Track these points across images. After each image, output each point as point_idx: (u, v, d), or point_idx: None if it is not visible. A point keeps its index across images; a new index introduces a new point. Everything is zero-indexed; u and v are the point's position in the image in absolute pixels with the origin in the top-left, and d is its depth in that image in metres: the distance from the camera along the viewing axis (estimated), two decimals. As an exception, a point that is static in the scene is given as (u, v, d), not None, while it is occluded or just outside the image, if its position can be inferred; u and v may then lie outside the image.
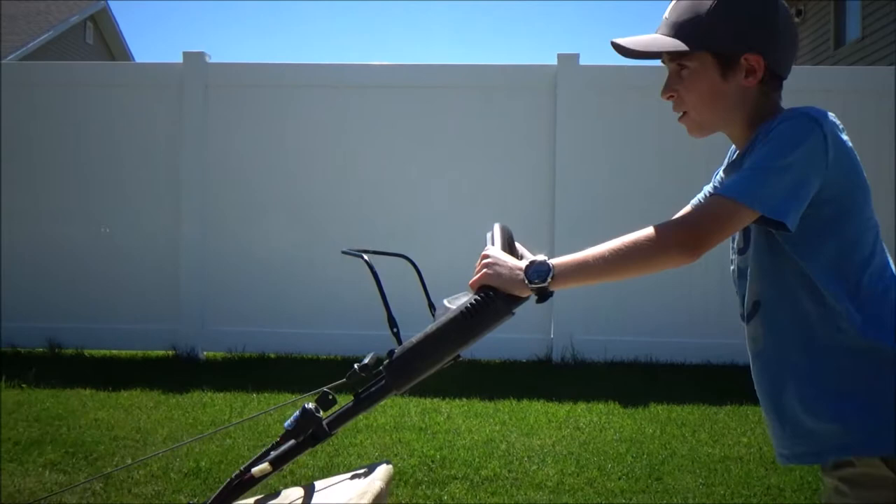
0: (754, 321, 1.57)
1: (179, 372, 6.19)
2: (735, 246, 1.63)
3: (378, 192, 6.71)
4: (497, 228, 1.63)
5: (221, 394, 5.41)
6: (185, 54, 6.70)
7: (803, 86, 6.12)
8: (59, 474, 3.93)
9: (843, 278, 1.47)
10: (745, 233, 1.58)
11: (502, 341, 6.61)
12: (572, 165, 6.55)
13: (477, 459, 4.20)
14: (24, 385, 5.54)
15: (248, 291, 6.67)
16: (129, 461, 4.25)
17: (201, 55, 6.71)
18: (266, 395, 5.42)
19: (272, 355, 6.64)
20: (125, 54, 26.66)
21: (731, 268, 1.65)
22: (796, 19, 15.88)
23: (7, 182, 6.79)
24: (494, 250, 1.54)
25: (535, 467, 4.11)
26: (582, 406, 5.24)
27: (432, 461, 4.18)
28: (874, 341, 1.45)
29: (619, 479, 3.96)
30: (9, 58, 20.48)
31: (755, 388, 1.63)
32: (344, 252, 1.64)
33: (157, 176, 6.75)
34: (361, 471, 1.59)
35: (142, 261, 6.73)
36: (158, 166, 6.75)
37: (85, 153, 6.78)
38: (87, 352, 6.74)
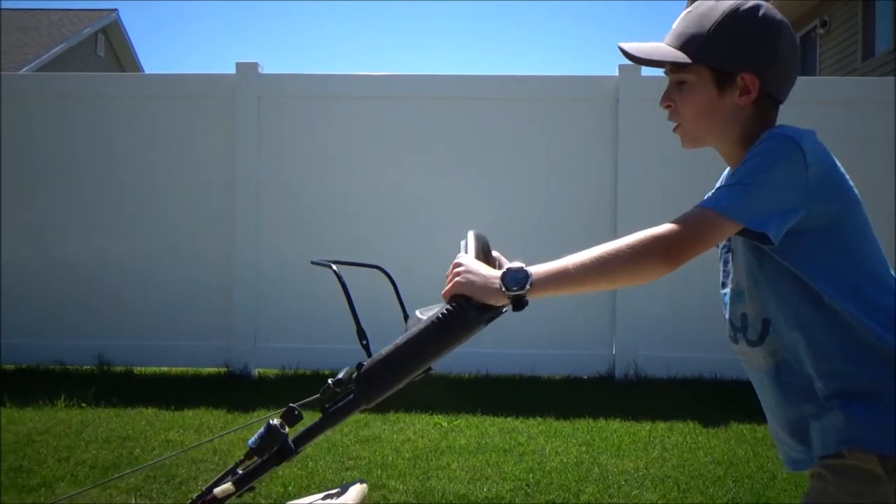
0: (769, 339, 1.56)
1: (235, 390, 6.04)
2: (725, 271, 1.65)
3: (431, 204, 6.58)
4: (471, 236, 1.57)
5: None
6: (238, 65, 6.58)
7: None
8: (145, 500, 3.77)
9: (846, 286, 1.48)
10: (732, 255, 1.61)
11: (563, 357, 6.50)
12: (634, 178, 6.42)
13: (573, 483, 4.05)
14: (83, 404, 5.38)
15: (301, 306, 6.51)
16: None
17: (254, 66, 6.59)
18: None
19: (327, 372, 6.47)
20: (135, 66, 26.64)
21: (723, 291, 1.65)
22: (821, 30, 15.84)
23: (56, 197, 6.66)
24: (467, 258, 1.49)
25: (635, 492, 3.96)
26: (661, 425, 5.08)
27: (527, 485, 4.03)
28: (880, 341, 1.46)
29: (728, 504, 3.81)
30: (23, 69, 20.41)
31: (766, 402, 1.62)
32: (314, 262, 1.59)
33: (210, 189, 6.62)
34: (335, 490, 1.55)
35: (193, 276, 6.58)
36: (211, 179, 6.62)
37: (136, 166, 6.65)
38: (136, 369, 6.58)
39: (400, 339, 1.42)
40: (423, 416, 5.22)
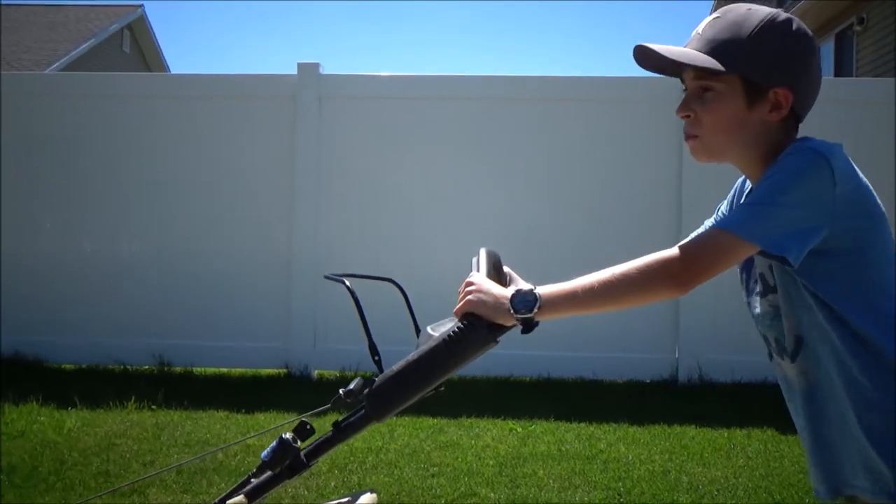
0: (801, 356, 1.50)
1: (297, 392, 6.02)
2: (757, 289, 1.57)
3: (493, 204, 6.54)
4: (483, 253, 1.57)
5: (360, 417, 5.21)
6: (300, 65, 6.55)
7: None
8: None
9: (868, 307, 1.42)
10: (771, 271, 1.52)
11: (625, 361, 6.45)
12: (699, 179, 6.35)
13: (664, 493, 4.01)
14: (153, 406, 5.37)
15: (378, 316, 6.47)
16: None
17: (315, 66, 6.57)
18: (393, 418, 5.22)
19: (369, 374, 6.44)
20: (160, 64, 26.70)
21: (758, 311, 1.57)
22: (858, 28, 15.67)
23: (118, 198, 6.66)
24: (479, 277, 1.48)
25: (730, 502, 3.91)
26: (738, 432, 5.03)
27: (618, 494, 3.99)
28: None
29: (829, 516, 3.74)
30: (53, 66, 20.46)
31: (800, 421, 1.55)
32: (327, 277, 1.59)
33: (271, 189, 6.60)
34: (345, 499, 1.55)
35: (253, 278, 6.57)
36: (271, 181, 6.60)
37: (196, 167, 6.64)
38: (195, 369, 6.57)
39: (412, 356, 1.43)
40: (496, 421, 5.19)
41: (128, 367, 6.54)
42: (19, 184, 6.73)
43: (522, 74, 7.28)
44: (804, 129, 1.55)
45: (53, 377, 6.29)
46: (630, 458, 4.52)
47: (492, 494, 3.96)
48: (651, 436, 4.94)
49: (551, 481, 4.14)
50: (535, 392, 6.12)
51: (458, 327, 1.42)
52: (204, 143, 6.64)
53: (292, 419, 1.52)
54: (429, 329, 1.49)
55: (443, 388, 1.48)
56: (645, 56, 1.52)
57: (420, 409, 5.27)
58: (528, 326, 1.42)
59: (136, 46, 26.38)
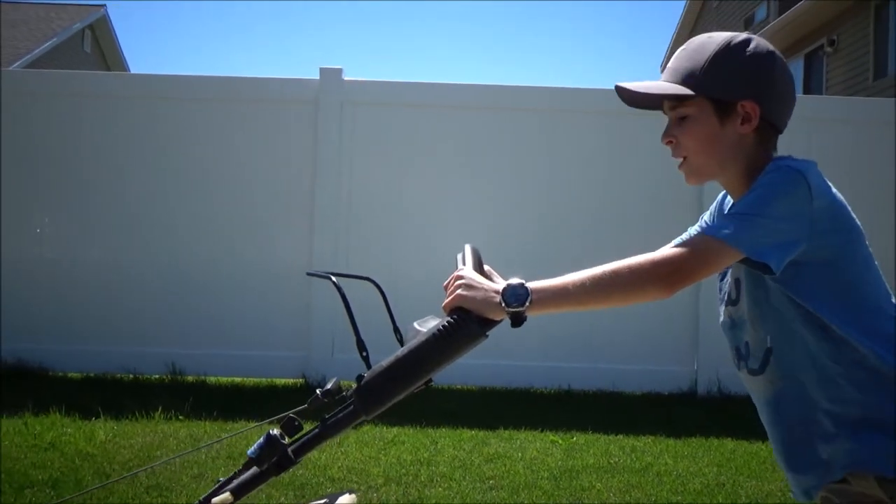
0: (769, 367, 1.57)
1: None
2: (725, 297, 1.67)
3: (516, 212, 6.52)
4: (468, 249, 1.59)
5: (395, 428, 5.13)
6: (323, 70, 6.46)
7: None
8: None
9: (849, 314, 1.50)
10: (737, 285, 1.61)
11: (644, 373, 6.47)
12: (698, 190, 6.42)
13: (726, 506, 4.01)
14: (181, 416, 5.20)
15: (381, 317, 6.37)
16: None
17: (338, 71, 6.47)
18: (418, 429, 5.13)
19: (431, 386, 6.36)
20: (121, 64, 26.22)
21: (721, 319, 1.68)
22: (828, 49, 16.09)
23: (129, 202, 6.47)
24: (468, 271, 1.50)
25: (793, 515, 3.92)
26: (775, 445, 5.06)
27: (680, 508, 3.98)
28: (885, 365, 1.48)
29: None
30: (15, 64, 19.91)
31: (769, 429, 1.63)
32: (310, 274, 1.63)
33: (290, 196, 6.48)
34: (322, 500, 1.53)
35: (272, 286, 6.42)
36: (291, 185, 6.48)
37: (213, 171, 6.49)
38: (209, 379, 6.40)
39: (400, 352, 1.42)
40: (534, 433, 5.15)
41: (139, 376, 6.33)
42: (26, 189, 6.49)
43: (545, 85, 7.27)
44: (784, 147, 1.62)
45: (62, 386, 6.06)
46: (680, 470, 4.51)
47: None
48: (692, 448, 4.95)
49: (611, 495, 4.11)
50: (559, 404, 6.09)
51: (448, 322, 1.42)
52: (221, 147, 6.49)
53: (276, 416, 1.51)
54: (415, 324, 1.48)
55: (431, 383, 1.47)
56: (626, 95, 1.62)
57: (457, 421, 5.23)
58: (518, 321, 1.42)
59: (96, 47, 25.89)
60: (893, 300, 1.58)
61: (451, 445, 4.83)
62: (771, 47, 1.61)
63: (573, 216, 6.53)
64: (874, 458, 1.48)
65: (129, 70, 26.58)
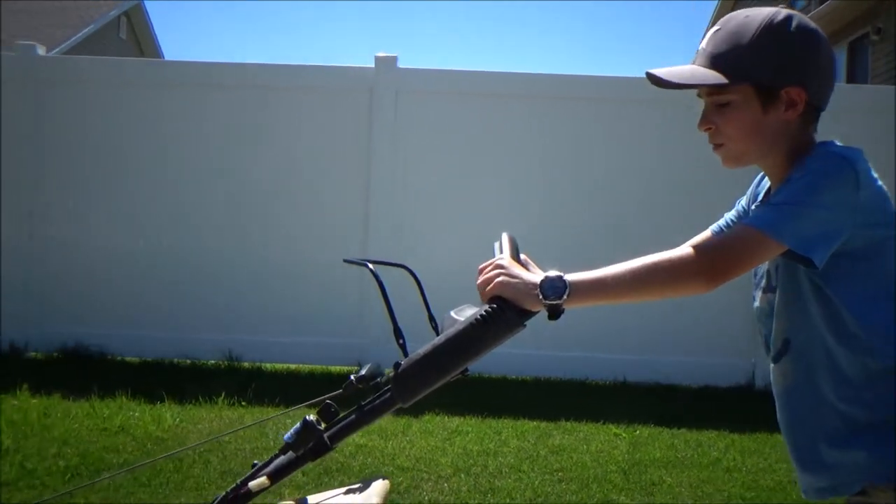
0: (785, 359, 1.54)
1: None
2: (762, 284, 1.60)
3: (572, 204, 6.48)
4: (505, 238, 1.56)
5: (458, 418, 5.12)
6: (378, 58, 6.44)
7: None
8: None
9: (876, 310, 1.45)
10: (777, 271, 1.55)
11: (701, 366, 6.41)
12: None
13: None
14: (243, 402, 5.24)
15: (437, 304, 6.38)
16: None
17: (393, 59, 6.45)
18: (480, 419, 5.12)
19: (486, 376, 6.36)
20: (155, 52, 26.38)
21: (757, 305, 1.62)
22: (874, 37, 15.80)
23: (186, 191, 6.50)
24: (507, 260, 1.47)
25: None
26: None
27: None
28: None
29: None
30: (55, 51, 20.08)
31: (780, 423, 1.61)
32: (346, 261, 1.62)
33: (345, 184, 6.48)
34: (356, 486, 1.52)
35: (328, 274, 6.43)
36: (346, 173, 6.48)
37: (269, 158, 6.50)
38: (265, 365, 6.44)
39: (438, 340, 1.40)
40: (596, 425, 5.12)
41: (196, 361, 6.39)
42: (81, 178, 6.55)
43: (601, 75, 7.19)
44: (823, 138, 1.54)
45: (123, 370, 6.14)
46: (749, 466, 4.47)
47: (629, 501, 3.89)
48: (758, 444, 4.90)
49: (683, 490, 4.08)
50: (616, 396, 6.06)
51: (487, 310, 1.40)
52: (277, 135, 6.50)
53: (312, 401, 1.52)
54: (452, 313, 1.46)
55: (467, 373, 1.44)
56: (657, 81, 1.53)
57: (518, 412, 5.22)
58: (556, 313, 1.40)
59: (132, 34, 26.08)
60: None
61: (514, 436, 4.82)
62: (813, 25, 1.52)
63: (628, 208, 6.47)
64: (889, 467, 1.43)
65: (164, 57, 26.77)
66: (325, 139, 6.49)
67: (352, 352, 6.41)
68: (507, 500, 3.83)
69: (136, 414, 4.88)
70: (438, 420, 5.06)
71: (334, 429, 1.42)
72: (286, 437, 1.39)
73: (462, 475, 4.13)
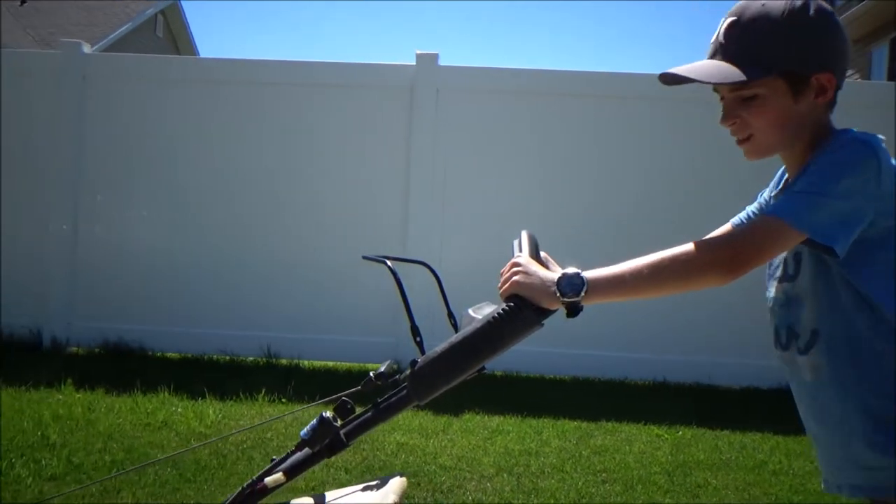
0: (814, 351, 1.49)
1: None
2: (777, 274, 1.57)
3: (610, 200, 6.42)
4: (524, 236, 1.55)
5: (497, 417, 5.10)
6: (419, 55, 6.43)
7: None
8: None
9: None
10: (797, 259, 1.52)
11: (742, 366, 6.32)
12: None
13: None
14: (283, 399, 5.26)
15: (476, 300, 6.36)
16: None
17: (434, 56, 6.44)
18: (520, 418, 5.09)
19: (498, 373, 6.34)
20: (191, 50, 26.60)
21: (772, 295, 1.58)
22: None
23: (226, 189, 6.54)
24: (525, 259, 1.47)
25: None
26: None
27: (803, 508, 3.87)
28: None
29: None
30: (92, 49, 20.34)
31: (807, 418, 1.58)
32: (365, 257, 1.61)
33: (385, 181, 6.48)
34: (374, 483, 1.53)
35: (366, 273, 6.41)
36: (385, 171, 6.48)
37: (309, 155, 6.53)
38: (303, 362, 6.46)
39: (455, 337, 1.40)
40: (637, 425, 5.07)
41: (235, 357, 6.43)
42: (121, 176, 6.62)
43: (643, 72, 7.09)
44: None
45: (164, 366, 6.19)
46: (796, 469, 4.39)
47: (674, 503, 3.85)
48: (804, 446, 4.81)
49: (729, 493, 4.02)
50: (656, 397, 6.00)
51: (504, 309, 1.39)
52: (316, 132, 6.52)
53: (327, 399, 1.52)
54: (470, 311, 1.46)
55: (484, 370, 1.44)
56: (675, 79, 1.50)
57: (558, 411, 5.18)
58: (574, 310, 1.39)
59: (168, 31, 26.33)
60: None
61: (555, 436, 4.79)
62: (829, 7, 1.49)
63: (676, 205, 6.38)
64: None
65: (199, 54, 27.00)
66: (366, 137, 6.49)
67: (387, 350, 6.39)
68: (552, 501, 3.80)
69: (179, 409, 4.91)
70: (479, 419, 5.04)
71: (350, 426, 1.42)
72: (302, 433, 1.40)
73: (505, 475, 4.11)
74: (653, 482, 4.11)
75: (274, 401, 5.23)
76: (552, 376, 6.33)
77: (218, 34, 49.26)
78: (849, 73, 1.55)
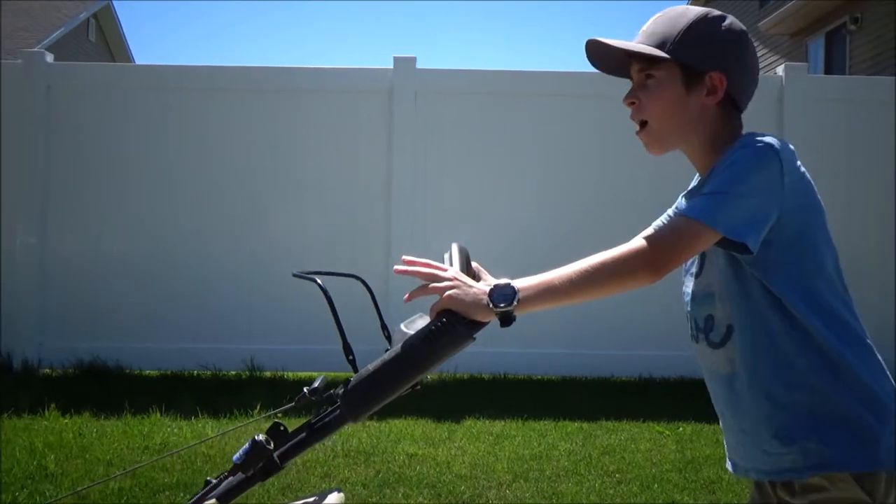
0: (729, 344, 1.57)
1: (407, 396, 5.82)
2: (692, 270, 1.66)
3: (590, 200, 6.46)
4: (455, 249, 1.56)
5: (499, 422, 5.08)
6: (396, 59, 6.37)
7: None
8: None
9: (810, 296, 1.51)
10: (701, 257, 1.62)
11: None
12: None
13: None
14: (279, 414, 5.13)
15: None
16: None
17: (412, 60, 6.38)
18: (521, 422, 5.09)
19: (486, 376, 6.32)
20: (126, 55, 25.97)
21: (689, 290, 1.67)
22: (851, 27, 16.00)
23: (200, 198, 6.38)
24: (455, 272, 1.49)
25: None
26: None
27: None
28: (842, 356, 1.49)
29: None
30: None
31: (721, 408, 1.64)
32: (295, 275, 1.59)
33: (365, 186, 6.40)
34: (311, 499, 1.53)
35: (347, 280, 6.33)
36: (366, 176, 6.40)
37: (288, 162, 6.40)
38: (287, 374, 6.34)
39: (386, 356, 1.42)
40: (637, 423, 5.11)
41: (217, 372, 6.27)
42: (94, 188, 6.40)
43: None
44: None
45: (145, 384, 6.01)
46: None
47: (696, 502, 3.88)
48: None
49: (743, 487, 4.07)
50: (646, 393, 6.06)
51: (434, 326, 1.40)
52: (295, 138, 6.41)
53: (257, 418, 1.54)
54: (402, 326, 1.46)
55: (419, 387, 1.46)
56: (595, 54, 1.63)
57: (557, 413, 5.19)
58: (507, 321, 1.41)
59: (101, 36, 25.65)
60: (845, 283, 1.58)
61: (560, 439, 4.79)
62: (743, 27, 1.64)
63: (657, 206, 6.45)
64: (847, 456, 1.46)
65: (134, 61, 26.39)
66: (345, 141, 6.40)
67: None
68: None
69: (175, 430, 4.76)
70: (481, 424, 5.02)
71: (283, 447, 1.41)
72: (235, 458, 1.37)
73: (521, 481, 4.09)
74: (667, 480, 4.13)
75: (271, 416, 5.11)
76: (540, 377, 6.35)
77: (151, 38, 48.21)
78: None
